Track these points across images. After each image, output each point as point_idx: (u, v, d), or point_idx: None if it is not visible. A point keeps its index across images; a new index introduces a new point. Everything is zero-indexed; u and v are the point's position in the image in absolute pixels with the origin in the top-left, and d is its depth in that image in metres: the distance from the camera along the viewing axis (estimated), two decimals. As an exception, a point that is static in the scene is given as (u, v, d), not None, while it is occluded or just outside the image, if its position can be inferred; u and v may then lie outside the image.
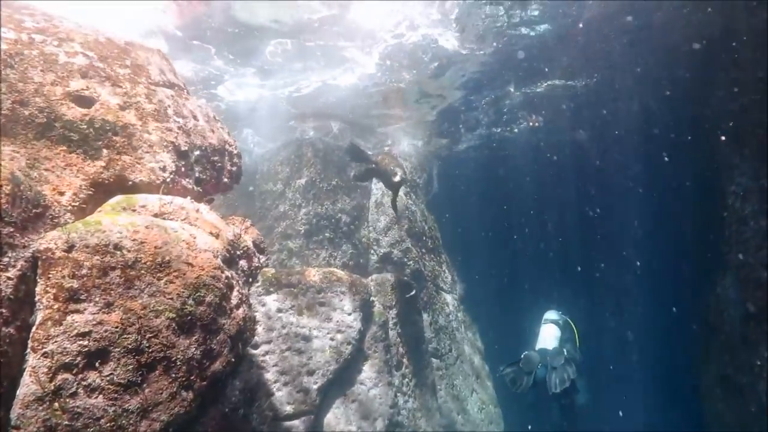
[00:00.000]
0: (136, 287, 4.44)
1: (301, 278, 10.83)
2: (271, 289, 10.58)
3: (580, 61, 12.93)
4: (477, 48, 12.02)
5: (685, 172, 14.90)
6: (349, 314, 10.87)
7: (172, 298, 4.53)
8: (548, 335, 11.21)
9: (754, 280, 10.37)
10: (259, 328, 10.28)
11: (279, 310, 10.46)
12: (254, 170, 16.38)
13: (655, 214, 18.18)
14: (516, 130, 18.27)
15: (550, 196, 23.08)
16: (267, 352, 10.15)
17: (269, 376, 9.90)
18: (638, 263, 20.56)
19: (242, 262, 5.70)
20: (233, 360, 5.05)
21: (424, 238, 16.03)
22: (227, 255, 5.21)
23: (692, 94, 12.81)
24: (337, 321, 10.72)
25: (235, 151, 6.69)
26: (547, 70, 13.63)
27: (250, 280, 5.87)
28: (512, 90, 15.02)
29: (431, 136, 18.30)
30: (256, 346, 10.13)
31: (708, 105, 12.42)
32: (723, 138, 11.73)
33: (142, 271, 4.50)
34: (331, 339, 10.59)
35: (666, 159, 15.80)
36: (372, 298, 12.09)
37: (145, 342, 4.33)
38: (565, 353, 11.18)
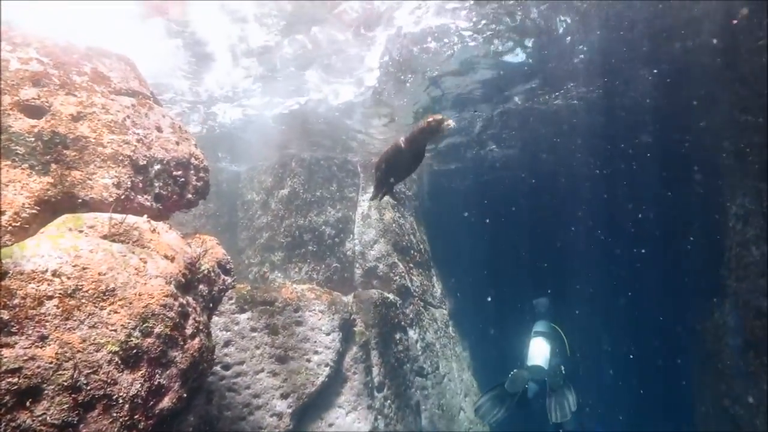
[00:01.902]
0: (75, 318, 4.18)
1: (277, 296, 10.57)
2: (246, 307, 10.32)
3: (582, 75, 12.77)
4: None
5: (685, 191, 14.74)
6: (328, 334, 10.61)
7: (115, 330, 4.28)
8: (538, 349, 11.36)
9: (755, 309, 10.16)
10: (232, 348, 10.01)
11: (253, 330, 10.19)
12: (237, 178, 16.17)
13: (651, 234, 18.03)
14: (510, 150, 18.15)
15: (544, 212, 22.99)
16: (239, 374, 9.87)
17: (240, 399, 9.63)
18: (632, 284, 20.44)
19: (202, 287, 5.45)
20: (185, 395, 4.79)
21: (412, 251, 15.79)
22: (183, 280, 4.96)
23: (694, 111, 12.64)
24: (315, 341, 10.45)
25: (202, 165, 6.44)
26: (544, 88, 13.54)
27: (211, 305, 5.61)
28: (512, 103, 14.88)
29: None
30: (227, 368, 9.86)
31: (711, 121, 12.25)
32: (725, 156, 11.57)
33: (83, 301, 4.24)
34: (308, 360, 10.33)
35: (664, 175, 15.65)
36: (354, 317, 11.83)
37: (83, 378, 4.07)
38: (563, 371, 11.12)
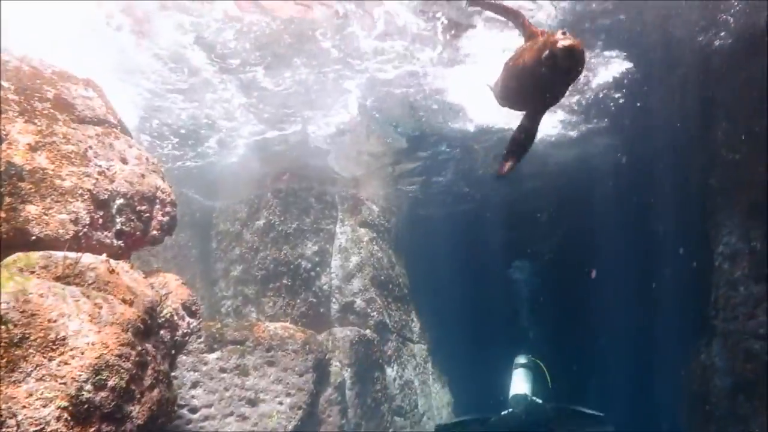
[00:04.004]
0: (21, 370, 3.88)
1: (249, 334, 10.24)
2: (215, 346, 9.97)
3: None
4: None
5: (671, 227, 14.74)
6: (301, 375, 10.28)
7: (65, 383, 3.98)
8: (520, 381, 11.61)
9: (744, 351, 10.04)
10: (200, 390, 9.64)
11: (222, 370, 9.84)
12: (212, 208, 15.85)
13: (635, 269, 17.99)
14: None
15: (527, 248, 23.04)
16: (207, 417, 9.50)
17: (208, 445, 9.25)
18: (615, 321, 20.36)
19: (163, 332, 5.16)
20: (142, 453, 4.48)
21: (390, 286, 15.55)
22: (142, 326, 4.67)
23: (683, 145, 12.69)
24: (288, 383, 10.11)
25: (169, 199, 6.19)
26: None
27: (173, 351, 5.32)
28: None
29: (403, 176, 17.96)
30: (194, 411, 9.48)
31: (699, 157, 12.28)
32: (711, 194, 11.57)
33: (31, 351, 3.95)
34: (280, 403, 9.97)
35: (650, 209, 15.65)
36: (329, 356, 11.53)
37: (26, 438, 3.76)
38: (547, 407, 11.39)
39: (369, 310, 14.12)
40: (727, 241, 10.83)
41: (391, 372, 14.38)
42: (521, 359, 12.36)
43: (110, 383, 4.16)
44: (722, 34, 9.33)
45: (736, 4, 8.56)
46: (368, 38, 9.31)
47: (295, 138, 13.44)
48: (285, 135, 13.20)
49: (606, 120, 13.01)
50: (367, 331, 13.45)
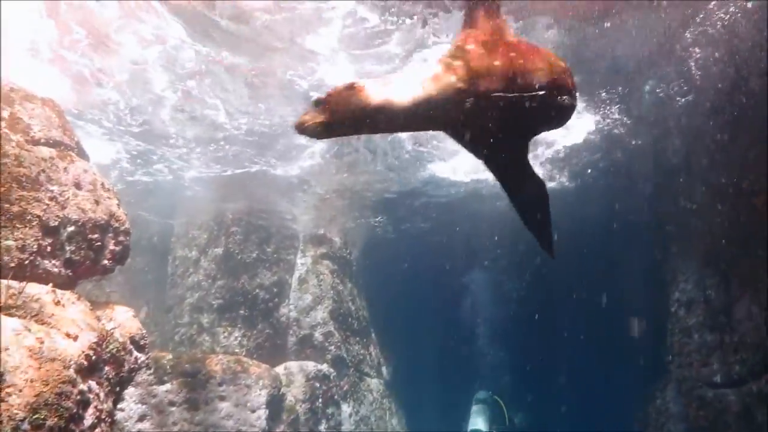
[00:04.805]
0: (-50, 408, 3.66)
1: (201, 366, 9.95)
2: (165, 378, 9.65)
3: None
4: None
5: (630, 271, 14.94)
6: (254, 411, 10.01)
7: (1, 422, 3.76)
8: (478, 416, 12.11)
9: (698, 398, 10.16)
10: (147, 424, 9.31)
11: (171, 404, 9.51)
12: (170, 232, 15.52)
13: (594, 314, 18.18)
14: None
15: (482, 288, 23.33)
16: (152, 453, 9.15)
17: (151, 482, 8.89)
18: (571, 364, 20.50)
19: (108, 369, 4.94)
20: (78, 498, 4.24)
21: (350, 319, 15.37)
22: (86, 363, 4.47)
23: (642, 193, 12.98)
24: (239, 419, 9.83)
25: (123, 228, 6.00)
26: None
27: (118, 389, 5.09)
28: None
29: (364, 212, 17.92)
30: (139, 446, 9.13)
31: (657, 205, 12.55)
32: (670, 240, 11.82)
33: (-38, 387, 3.73)
34: (230, 440, 9.69)
35: (608, 257, 15.89)
36: (283, 390, 11.27)
37: (-49, 482, 3.52)
38: None
39: (327, 344, 13.92)
40: (683, 288, 11.03)
41: (346, 408, 14.14)
42: (480, 395, 12.72)
43: (49, 423, 3.95)
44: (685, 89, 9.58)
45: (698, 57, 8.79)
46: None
47: (258, 177, 13.40)
48: (247, 172, 13.15)
49: (566, 171, 13.38)
50: (324, 366, 13.24)
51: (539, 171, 13.17)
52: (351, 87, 3.10)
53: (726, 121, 9.21)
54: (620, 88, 9.66)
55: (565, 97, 3.39)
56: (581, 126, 10.93)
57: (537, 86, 3.21)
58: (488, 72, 3.20)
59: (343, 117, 3.10)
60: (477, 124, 3.29)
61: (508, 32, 3.53)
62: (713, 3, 7.51)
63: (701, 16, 7.77)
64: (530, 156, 3.83)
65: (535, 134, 3.79)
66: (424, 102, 3.10)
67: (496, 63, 3.20)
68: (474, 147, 3.58)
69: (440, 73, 3.16)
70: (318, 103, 3.13)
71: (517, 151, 3.65)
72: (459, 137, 3.49)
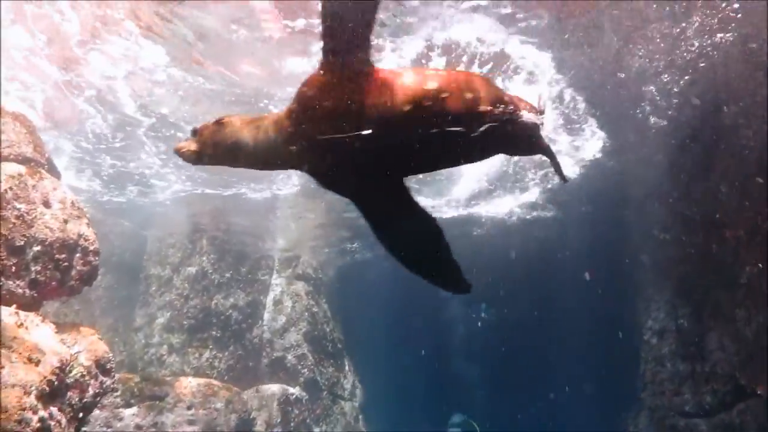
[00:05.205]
0: None
1: (169, 390, 9.75)
2: (132, 401, 9.43)
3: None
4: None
5: (605, 300, 15.05)
6: (223, 436, 9.83)
7: (-48, 451, 3.62)
8: None
9: (670, 427, 10.19)
10: (111, 448, 9.06)
11: (138, 428, 9.28)
12: (142, 249, 15.28)
13: (565, 339, 18.29)
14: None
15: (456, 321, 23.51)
16: (116, 479, 8.91)
17: None
18: (546, 393, 20.57)
19: (72, 394, 4.80)
20: None
21: (324, 341, 15.22)
22: (47, 388, 4.33)
23: (617, 221, 13.12)
24: (207, 444, 9.64)
25: (91, 248, 5.87)
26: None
27: (81, 414, 4.94)
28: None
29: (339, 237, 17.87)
30: (103, 471, 8.88)
31: (631, 233, 12.68)
32: (642, 270, 11.93)
33: None
34: (197, 466, 9.48)
35: (584, 285, 16.03)
36: (254, 414, 11.08)
37: None
38: None
39: (300, 367, 13.75)
40: (656, 316, 11.12)
41: (318, 432, 13.95)
42: (456, 418, 12.88)
43: (4, 452, 3.81)
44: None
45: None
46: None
47: (232, 200, 13.31)
48: (221, 194, 13.07)
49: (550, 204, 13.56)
50: (297, 389, 13.06)
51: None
52: (219, 122, 3.21)
53: (699, 153, 9.35)
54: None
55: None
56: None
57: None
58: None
59: (209, 149, 3.21)
60: (323, 166, 3.14)
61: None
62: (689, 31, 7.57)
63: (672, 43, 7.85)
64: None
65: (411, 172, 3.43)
66: (263, 143, 3.12)
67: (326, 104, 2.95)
68: (338, 188, 3.33)
69: (281, 116, 3.12)
70: (194, 133, 3.27)
71: (392, 188, 3.28)
72: (319, 179, 3.29)
